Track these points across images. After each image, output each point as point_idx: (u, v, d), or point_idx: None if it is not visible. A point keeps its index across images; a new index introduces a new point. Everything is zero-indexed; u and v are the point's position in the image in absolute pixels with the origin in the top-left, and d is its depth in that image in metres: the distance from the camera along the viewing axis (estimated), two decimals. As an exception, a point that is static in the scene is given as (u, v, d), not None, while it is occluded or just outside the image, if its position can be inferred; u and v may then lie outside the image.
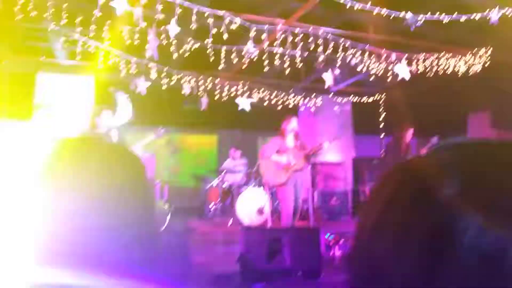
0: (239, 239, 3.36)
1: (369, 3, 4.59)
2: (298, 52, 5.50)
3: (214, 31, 4.68)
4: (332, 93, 9.23)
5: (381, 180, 0.45)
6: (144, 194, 0.74)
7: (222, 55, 5.54)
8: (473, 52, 6.45)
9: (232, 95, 7.44)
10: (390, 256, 0.37)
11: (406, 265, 0.35)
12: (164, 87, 6.59)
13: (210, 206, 7.89)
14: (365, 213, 0.43)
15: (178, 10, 4.41)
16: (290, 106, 8.60)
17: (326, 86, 6.79)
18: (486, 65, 6.58)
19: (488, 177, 0.36)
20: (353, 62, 6.05)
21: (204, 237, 6.37)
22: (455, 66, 6.53)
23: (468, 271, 0.32)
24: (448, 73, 6.59)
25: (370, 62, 6.12)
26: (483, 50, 6.44)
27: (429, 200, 0.36)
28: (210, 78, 7.10)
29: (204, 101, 7.15)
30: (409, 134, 6.26)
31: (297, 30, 5.21)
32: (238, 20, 4.72)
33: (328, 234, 4.50)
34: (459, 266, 0.32)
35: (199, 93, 7.07)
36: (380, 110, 9.36)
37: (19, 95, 8.20)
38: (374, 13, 4.71)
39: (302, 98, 9.14)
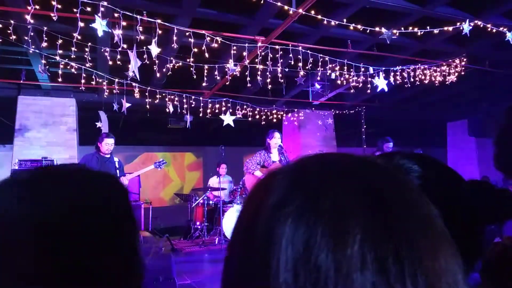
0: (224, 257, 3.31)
1: (345, 19, 4.73)
2: (279, 68, 5.59)
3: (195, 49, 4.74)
4: (314, 107, 9.36)
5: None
6: None
7: (205, 73, 5.59)
8: (448, 62, 6.65)
9: (216, 111, 7.47)
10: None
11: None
12: (148, 106, 6.58)
13: (196, 225, 7.78)
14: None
15: (159, 31, 4.46)
16: (274, 120, 8.68)
17: (310, 100, 6.90)
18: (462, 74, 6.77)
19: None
20: (333, 76, 6.17)
21: (190, 257, 6.25)
22: (431, 76, 6.71)
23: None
24: (426, 83, 6.76)
25: (349, 76, 6.24)
26: (457, 60, 6.64)
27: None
28: (194, 96, 7.13)
29: (188, 118, 7.15)
30: (389, 145, 6.33)
31: (277, 47, 5.31)
32: (219, 39, 4.80)
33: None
34: None
35: (183, 111, 7.08)
36: (362, 121, 9.50)
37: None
38: (351, 28, 4.86)
39: (285, 113, 9.24)
